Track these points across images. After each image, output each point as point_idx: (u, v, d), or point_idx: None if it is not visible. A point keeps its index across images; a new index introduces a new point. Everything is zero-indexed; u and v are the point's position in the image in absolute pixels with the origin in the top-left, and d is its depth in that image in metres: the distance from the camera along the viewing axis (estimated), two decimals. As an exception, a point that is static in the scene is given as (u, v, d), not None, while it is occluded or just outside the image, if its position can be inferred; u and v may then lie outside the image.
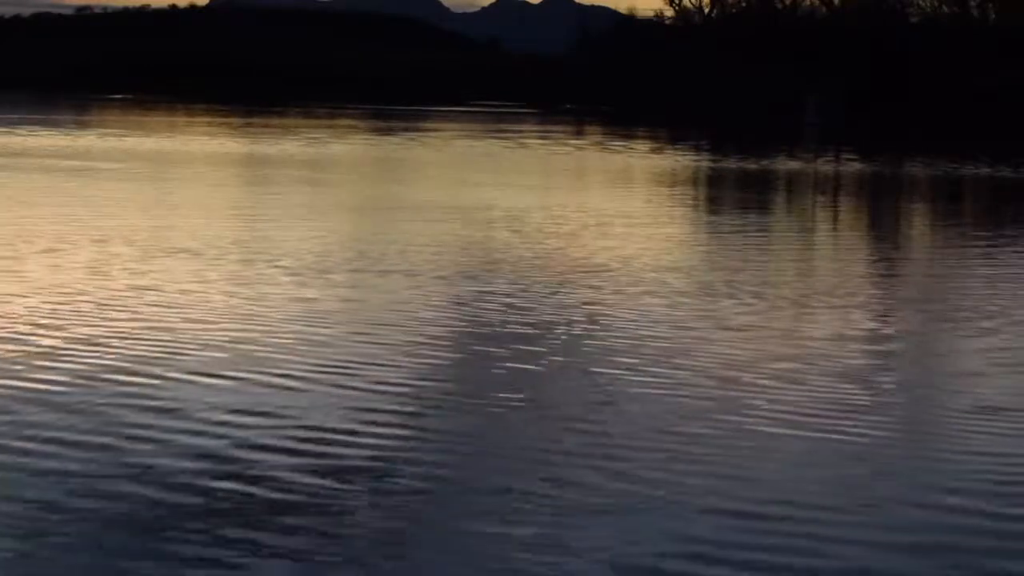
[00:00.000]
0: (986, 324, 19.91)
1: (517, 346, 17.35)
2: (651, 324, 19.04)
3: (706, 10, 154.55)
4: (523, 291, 21.98)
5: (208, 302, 20.16)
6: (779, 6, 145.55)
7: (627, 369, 16.04)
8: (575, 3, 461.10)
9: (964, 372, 16.70)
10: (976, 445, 13.12)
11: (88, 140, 66.25)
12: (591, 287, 22.51)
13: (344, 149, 65.94)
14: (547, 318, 19.49)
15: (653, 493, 11.25)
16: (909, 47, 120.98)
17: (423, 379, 15.35)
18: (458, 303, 20.73)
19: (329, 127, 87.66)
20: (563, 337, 18.02)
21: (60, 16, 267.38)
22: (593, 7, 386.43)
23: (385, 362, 16.18)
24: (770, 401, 14.48)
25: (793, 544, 10.19)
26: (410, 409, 13.96)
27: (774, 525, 10.57)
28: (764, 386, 15.18)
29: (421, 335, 17.92)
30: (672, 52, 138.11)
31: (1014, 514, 11.00)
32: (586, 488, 11.34)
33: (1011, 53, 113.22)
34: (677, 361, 16.46)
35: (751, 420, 13.72)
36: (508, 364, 16.30)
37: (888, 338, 18.62)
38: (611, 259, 26.41)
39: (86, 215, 32.09)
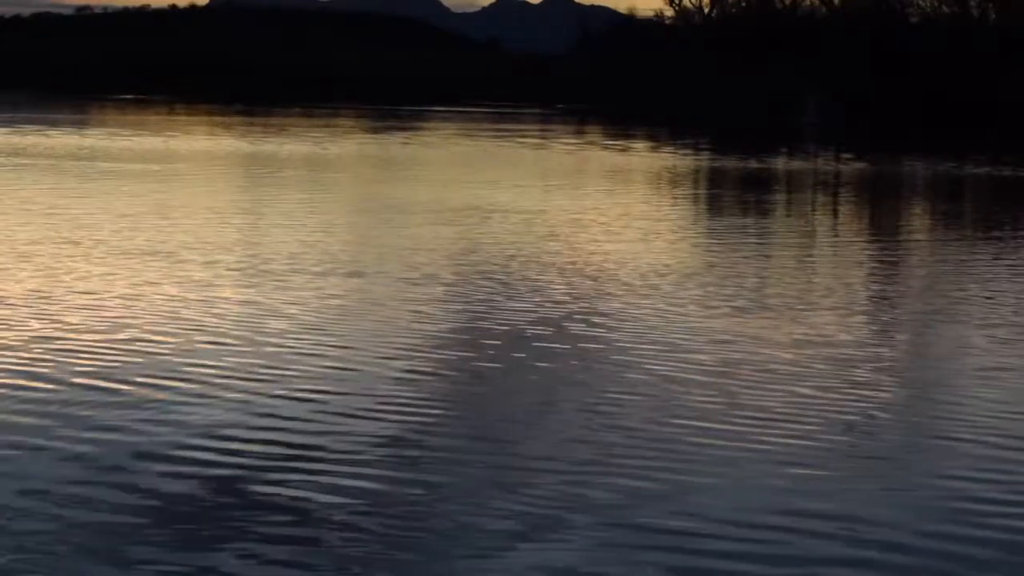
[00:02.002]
0: (960, 329, 19.64)
1: (448, 352, 16.98)
2: (597, 330, 18.71)
3: (706, 10, 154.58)
4: (480, 294, 21.65)
5: (142, 305, 19.84)
6: (779, 6, 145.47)
7: (553, 378, 15.72)
8: (575, 3, 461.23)
9: (917, 381, 16.28)
10: (909, 460, 12.81)
11: (84, 139, 66.14)
12: (543, 290, 22.17)
13: (342, 149, 65.80)
14: (494, 322, 19.15)
15: (551, 507, 11.02)
16: (909, 47, 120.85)
17: (332, 387, 14.90)
18: (407, 307, 20.28)
19: (329, 127, 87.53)
20: (498, 343, 17.63)
21: (60, 16, 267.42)
22: (593, 7, 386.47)
23: (299, 368, 15.80)
24: (695, 410, 14.19)
25: (695, 563, 9.99)
26: (301, 416, 13.62)
27: (682, 540, 10.38)
28: (694, 393, 14.93)
29: (351, 340, 17.53)
30: (672, 52, 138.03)
31: (944, 532, 10.73)
32: (492, 506, 11.04)
33: (1011, 53, 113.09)
34: (610, 370, 16.13)
35: (672, 430, 13.44)
36: (425, 372, 15.85)
37: (836, 344, 18.03)
38: (585, 260, 26.16)
39: (65, 216, 31.85)
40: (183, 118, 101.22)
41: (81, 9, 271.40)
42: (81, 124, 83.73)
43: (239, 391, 14.65)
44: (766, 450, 12.83)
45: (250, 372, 15.55)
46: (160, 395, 14.44)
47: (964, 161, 65.68)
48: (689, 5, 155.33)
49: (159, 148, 61.10)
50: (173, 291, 21.18)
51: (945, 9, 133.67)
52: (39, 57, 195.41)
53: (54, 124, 79.80)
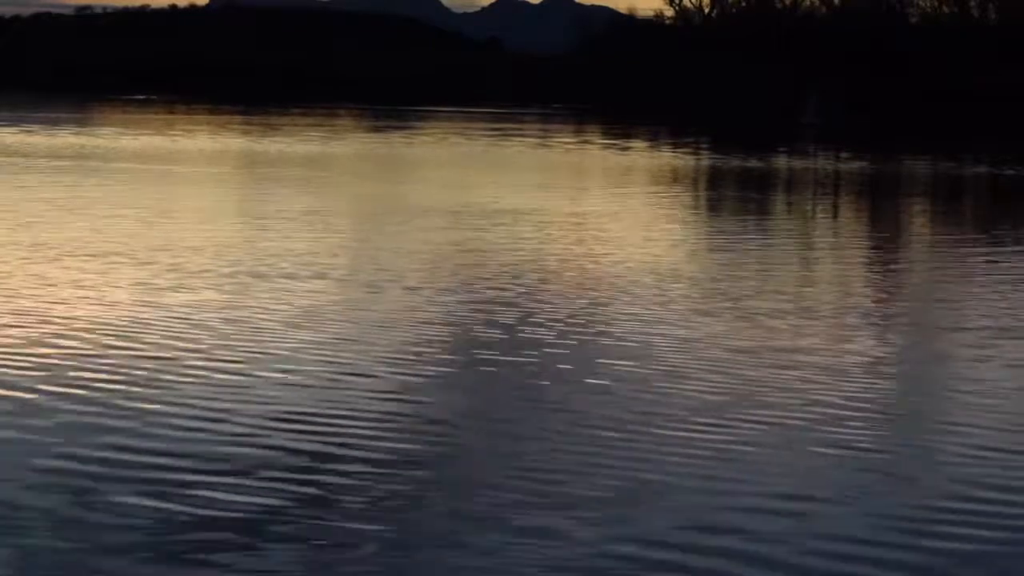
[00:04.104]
0: (932, 335, 19.44)
1: (366, 360, 16.50)
2: (546, 334, 18.42)
3: (706, 10, 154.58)
4: (436, 298, 21.29)
5: (55, 307, 19.61)
6: (779, 6, 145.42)
7: (482, 388, 15.42)
8: (575, 3, 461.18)
9: (875, 387, 15.92)
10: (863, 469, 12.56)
11: (83, 139, 66.06)
12: (510, 293, 21.87)
13: (339, 149, 65.72)
14: (432, 327, 18.78)
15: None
16: (909, 47, 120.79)
17: (219, 396, 14.56)
18: (356, 312, 19.88)
19: (328, 127, 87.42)
20: (429, 347, 17.27)
21: (60, 16, 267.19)
22: (593, 7, 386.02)
23: (191, 377, 15.38)
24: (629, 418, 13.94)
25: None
26: (182, 426, 13.35)
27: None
28: (641, 399, 14.71)
29: (268, 348, 17.04)
30: (672, 52, 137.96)
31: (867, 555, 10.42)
32: (419, 519, 10.86)
33: (1011, 53, 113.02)
34: (554, 379, 15.83)
35: (569, 438, 13.22)
36: (347, 381, 15.41)
37: (795, 350, 17.57)
38: (571, 262, 25.93)
39: (45, 216, 31.56)
40: (183, 118, 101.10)
41: (81, 9, 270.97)
42: (80, 124, 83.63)
43: (123, 398, 14.36)
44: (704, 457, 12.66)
45: (138, 379, 15.20)
46: (39, 401, 14.24)
47: (963, 161, 65.61)
48: (689, 5, 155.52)
49: (157, 147, 61.00)
50: (106, 294, 20.91)
51: (945, 9, 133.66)
52: (39, 57, 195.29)
53: (53, 124, 79.71)
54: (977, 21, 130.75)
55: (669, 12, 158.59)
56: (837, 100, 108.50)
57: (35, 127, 74.57)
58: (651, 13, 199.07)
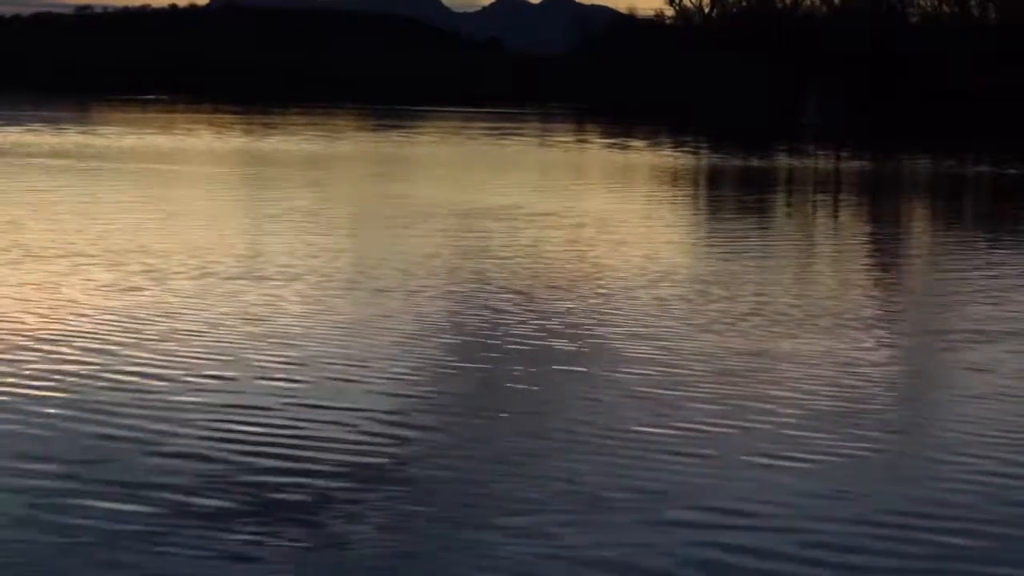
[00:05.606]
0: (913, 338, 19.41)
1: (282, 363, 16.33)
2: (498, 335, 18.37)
3: (706, 10, 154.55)
4: (391, 300, 21.19)
5: (10, 308, 19.53)
6: (779, 6, 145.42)
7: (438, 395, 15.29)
8: (575, 3, 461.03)
9: (849, 391, 15.71)
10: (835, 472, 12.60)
11: (82, 138, 66.00)
12: (439, 295, 21.77)
13: (336, 149, 65.64)
14: (384, 330, 18.57)
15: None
16: (909, 47, 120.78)
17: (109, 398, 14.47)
18: (313, 314, 19.73)
19: (327, 127, 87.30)
20: (332, 353, 17.03)
21: (60, 16, 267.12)
22: (593, 7, 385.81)
23: (91, 382, 15.24)
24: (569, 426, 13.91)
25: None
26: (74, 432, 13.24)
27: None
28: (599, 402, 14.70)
29: (172, 349, 16.93)
30: (672, 52, 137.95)
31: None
32: (395, 523, 10.83)
33: (1011, 53, 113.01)
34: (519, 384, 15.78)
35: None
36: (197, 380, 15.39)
37: (758, 354, 17.46)
38: (550, 264, 25.83)
39: (29, 217, 31.41)
40: (183, 117, 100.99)
41: (81, 9, 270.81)
42: (81, 123, 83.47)
43: (80, 399, 14.34)
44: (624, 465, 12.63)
45: (89, 380, 15.20)
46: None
47: (964, 160, 65.58)
48: (689, 5, 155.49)
49: (158, 147, 60.93)
50: (66, 296, 20.79)
51: (945, 9, 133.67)
52: (39, 57, 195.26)
53: (52, 123, 79.59)
54: (977, 21, 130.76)
55: (669, 12, 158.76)
56: (837, 100, 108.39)
57: (36, 126, 74.45)
58: (651, 13, 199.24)
